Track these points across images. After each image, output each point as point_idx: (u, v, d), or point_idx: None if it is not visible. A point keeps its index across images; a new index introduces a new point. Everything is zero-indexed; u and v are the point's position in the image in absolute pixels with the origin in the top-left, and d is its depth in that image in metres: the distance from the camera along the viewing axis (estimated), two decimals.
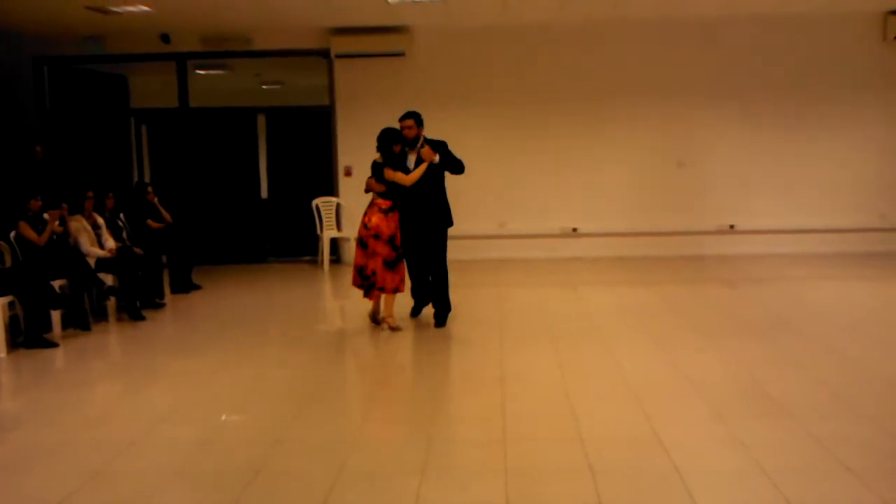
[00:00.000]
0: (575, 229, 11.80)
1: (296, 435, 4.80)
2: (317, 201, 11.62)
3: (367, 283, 7.26)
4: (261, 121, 12.43)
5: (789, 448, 4.39)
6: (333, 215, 11.72)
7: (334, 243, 11.88)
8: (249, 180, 12.43)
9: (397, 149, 7.17)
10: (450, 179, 7.46)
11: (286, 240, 12.51)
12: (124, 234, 9.03)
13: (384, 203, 7.18)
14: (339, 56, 11.37)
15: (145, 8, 9.64)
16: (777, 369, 5.94)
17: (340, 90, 11.72)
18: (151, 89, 12.91)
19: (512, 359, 6.40)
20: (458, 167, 7.31)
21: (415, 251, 7.41)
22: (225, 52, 11.78)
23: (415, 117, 7.22)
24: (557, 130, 11.66)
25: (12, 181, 8.91)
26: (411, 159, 7.23)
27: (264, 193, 12.45)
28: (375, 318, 7.48)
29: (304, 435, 4.80)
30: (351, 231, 11.45)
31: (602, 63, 11.51)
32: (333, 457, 4.37)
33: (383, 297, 7.29)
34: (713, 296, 9.15)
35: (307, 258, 12.23)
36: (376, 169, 7.24)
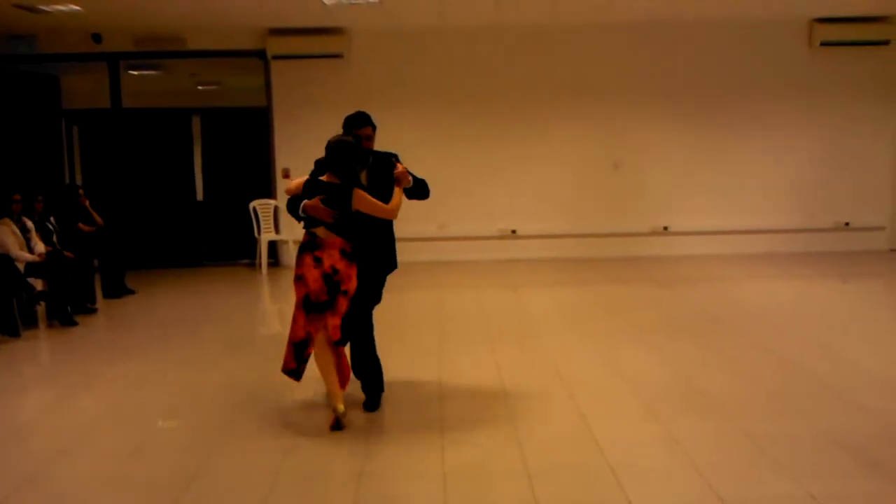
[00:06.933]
0: (514, 231, 11.89)
1: (231, 440, 4.73)
2: (254, 204, 11.49)
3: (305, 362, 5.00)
4: (196, 122, 12.22)
5: (721, 445, 4.49)
6: (271, 218, 11.60)
7: (272, 246, 11.76)
8: (184, 182, 12.20)
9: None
10: None
11: (222, 243, 12.31)
12: (54, 238, 8.80)
13: (347, 245, 4.93)
14: (275, 57, 11.28)
15: (76, 7, 9.42)
16: (710, 367, 6.08)
17: (277, 91, 11.62)
18: (83, 90, 12.62)
19: (450, 361, 6.41)
20: (425, 192, 5.47)
21: (366, 308, 5.27)
22: (158, 52, 11.60)
23: (372, 123, 5.14)
24: (496, 132, 11.73)
25: None
26: (361, 178, 5.12)
27: (199, 195, 12.23)
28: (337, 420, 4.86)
29: (239, 440, 4.74)
30: (290, 234, 11.36)
31: (539, 66, 11.62)
32: (269, 462, 4.34)
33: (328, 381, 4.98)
34: (648, 296, 9.30)
35: (245, 261, 12.08)
36: (326, 190, 4.85)
